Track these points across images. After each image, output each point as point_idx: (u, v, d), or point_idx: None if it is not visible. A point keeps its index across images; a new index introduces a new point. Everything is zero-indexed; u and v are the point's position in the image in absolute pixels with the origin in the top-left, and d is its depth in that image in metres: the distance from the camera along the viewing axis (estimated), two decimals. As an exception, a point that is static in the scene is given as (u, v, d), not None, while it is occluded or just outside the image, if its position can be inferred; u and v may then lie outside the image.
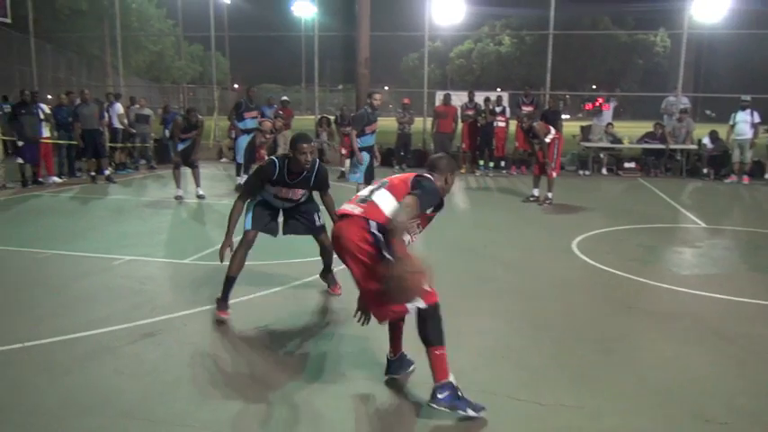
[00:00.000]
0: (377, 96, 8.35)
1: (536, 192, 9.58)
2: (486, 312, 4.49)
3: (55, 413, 2.96)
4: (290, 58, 24.07)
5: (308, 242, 4.73)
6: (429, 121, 14.93)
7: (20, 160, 10.62)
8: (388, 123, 17.60)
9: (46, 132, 11.05)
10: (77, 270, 5.45)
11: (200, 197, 9.40)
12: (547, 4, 14.72)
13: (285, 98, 14.88)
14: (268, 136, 11.39)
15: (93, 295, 4.74)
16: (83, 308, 4.44)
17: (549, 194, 9.38)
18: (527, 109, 13.10)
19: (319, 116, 15.64)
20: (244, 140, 10.34)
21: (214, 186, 11.07)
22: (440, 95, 14.71)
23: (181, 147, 9.35)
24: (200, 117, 9.66)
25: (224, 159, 15.14)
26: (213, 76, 18.01)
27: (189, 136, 9.32)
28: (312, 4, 19.14)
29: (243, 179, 10.21)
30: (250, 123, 10.35)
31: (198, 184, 9.55)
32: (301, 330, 4.13)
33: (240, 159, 10.43)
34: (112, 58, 23.21)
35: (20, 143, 10.53)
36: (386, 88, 38.83)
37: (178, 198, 9.26)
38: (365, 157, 8.21)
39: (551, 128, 9.43)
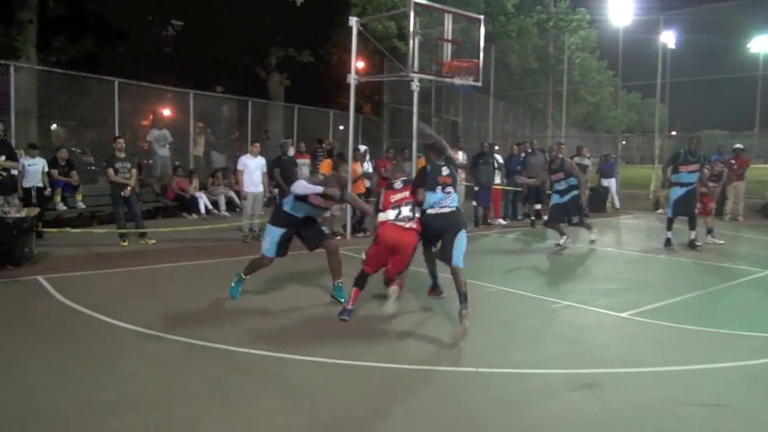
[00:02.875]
0: None
1: None
2: None
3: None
4: (741, 100, 21.63)
5: None
6: None
7: (474, 203, 12.30)
8: None
9: (497, 179, 12.51)
10: (521, 308, 5.93)
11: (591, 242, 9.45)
12: None
13: (739, 146, 13.25)
14: (711, 185, 10.35)
15: (535, 335, 5.06)
16: (528, 345, 4.78)
17: None
18: None
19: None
20: (675, 193, 9.42)
21: (641, 239, 10.98)
22: None
23: (556, 201, 9.30)
24: (567, 160, 9.59)
25: (659, 210, 14.34)
26: (656, 124, 17.38)
27: (558, 178, 9.24)
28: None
29: (669, 234, 9.44)
30: (685, 177, 9.26)
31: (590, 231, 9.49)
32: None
33: (669, 214, 9.60)
34: (553, 111, 24.88)
35: (476, 188, 12.19)
36: None
37: (558, 246, 9.38)
38: None
39: None
